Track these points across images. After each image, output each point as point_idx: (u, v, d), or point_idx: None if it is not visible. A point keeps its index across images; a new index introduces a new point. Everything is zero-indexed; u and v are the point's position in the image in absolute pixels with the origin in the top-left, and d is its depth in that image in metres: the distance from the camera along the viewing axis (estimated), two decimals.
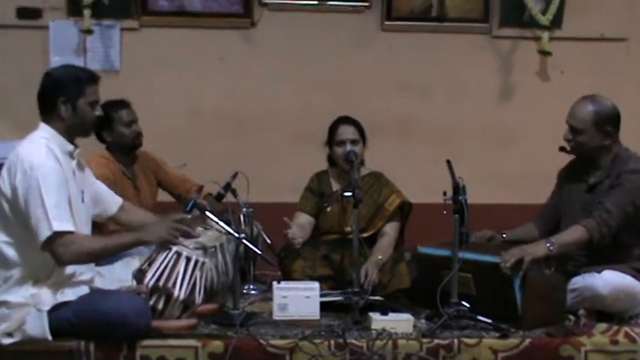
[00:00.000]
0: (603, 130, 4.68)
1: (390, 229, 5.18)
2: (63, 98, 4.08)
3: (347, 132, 5.18)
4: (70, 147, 4.13)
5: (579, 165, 4.87)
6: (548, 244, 4.46)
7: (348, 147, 5.10)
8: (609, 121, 4.69)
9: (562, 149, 4.93)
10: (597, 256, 4.65)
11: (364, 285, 4.65)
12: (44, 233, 3.87)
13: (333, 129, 5.24)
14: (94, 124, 4.23)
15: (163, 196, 5.59)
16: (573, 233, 4.58)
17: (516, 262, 4.37)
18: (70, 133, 4.13)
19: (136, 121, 5.27)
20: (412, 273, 4.91)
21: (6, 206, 3.99)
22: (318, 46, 6.49)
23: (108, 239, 4.14)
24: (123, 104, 5.26)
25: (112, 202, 4.49)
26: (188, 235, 4.15)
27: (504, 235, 5.01)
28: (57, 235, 3.88)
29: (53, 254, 3.92)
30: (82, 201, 4.20)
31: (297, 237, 4.87)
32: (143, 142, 5.33)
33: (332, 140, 5.22)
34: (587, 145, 4.71)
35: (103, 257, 4.20)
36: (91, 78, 4.18)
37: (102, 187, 4.48)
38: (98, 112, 4.19)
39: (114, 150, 5.27)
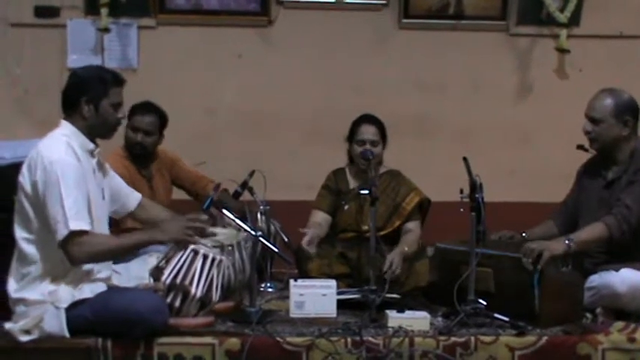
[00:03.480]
0: (622, 120, 4.70)
1: (414, 227, 5.19)
2: (86, 97, 4.09)
3: (368, 132, 5.17)
4: (91, 145, 4.15)
5: (598, 161, 4.87)
6: (567, 242, 4.45)
7: (368, 147, 5.10)
8: (628, 111, 4.72)
9: (580, 147, 4.93)
10: (615, 253, 4.64)
11: (386, 275, 4.64)
12: (62, 232, 3.89)
13: (355, 126, 5.23)
14: (116, 126, 4.24)
15: (178, 194, 5.60)
16: (593, 230, 4.57)
17: (536, 256, 4.36)
18: (91, 132, 4.15)
19: (140, 129, 5.24)
20: (434, 268, 4.89)
21: (26, 203, 4.01)
22: (335, 44, 6.49)
23: (121, 238, 4.16)
24: (142, 109, 5.28)
25: (131, 198, 4.50)
26: (202, 234, 4.15)
27: (524, 235, 5.00)
28: (73, 235, 3.90)
29: (68, 253, 3.94)
30: (103, 198, 4.22)
31: (312, 247, 4.89)
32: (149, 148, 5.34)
33: (352, 137, 5.22)
34: (606, 136, 4.70)
35: (116, 256, 4.22)
36: (116, 80, 4.19)
37: (121, 183, 4.49)
38: (121, 114, 4.20)
39: (128, 149, 5.30)
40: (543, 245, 4.42)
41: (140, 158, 5.31)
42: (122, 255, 4.24)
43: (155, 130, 5.30)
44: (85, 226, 3.94)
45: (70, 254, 3.93)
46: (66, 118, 4.15)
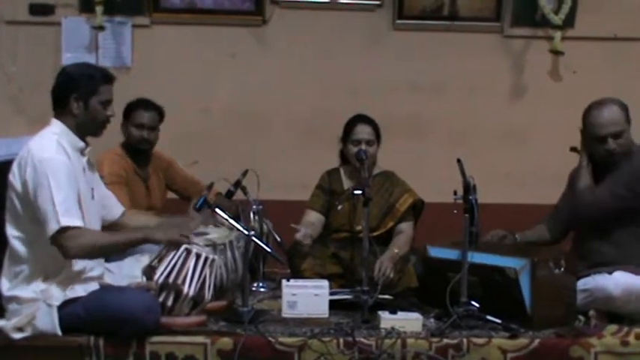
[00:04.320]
0: (629, 121, 4.70)
1: (407, 227, 5.17)
2: (75, 95, 4.09)
3: (363, 132, 5.16)
4: (81, 144, 4.15)
5: (592, 166, 4.83)
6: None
7: (363, 147, 5.09)
8: (628, 111, 4.72)
9: (573, 149, 4.92)
10: (609, 255, 4.64)
11: (377, 279, 4.64)
12: (52, 227, 3.89)
13: (349, 126, 5.21)
14: (105, 123, 4.23)
15: (173, 194, 5.60)
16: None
17: None
18: (81, 130, 4.15)
19: (146, 126, 5.26)
20: (416, 274, 4.87)
21: (17, 201, 4.01)
22: (329, 44, 6.48)
23: (115, 235, 4.16)
24: (143, 105, 5.29)
25: (115, 207, 4.51)
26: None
27: (517, 237, 4.99)
28: (65, 230, 3.89)
29: (60, 248, 3.93)
30: (92, 198, 4.22)
31: (307, 240, 4.87)
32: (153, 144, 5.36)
33: (347, 138, 5.20)
34: (626, 145, 4.68)
35: (109, 253, 4.22)
36: (106, 77, 4.19)
37: (107, 192, 4.50)
38: (110, 111, 4.20)
39: (127, 148, 5.29)
40: None
41: (141, 156, 5.32)
42: (115, 251, 4.24)
43: (157, 125, 5.35)
44: (77, 222, 3.94)
45: (63, 248, 3.93)
46: (56, 116, 4.15)
